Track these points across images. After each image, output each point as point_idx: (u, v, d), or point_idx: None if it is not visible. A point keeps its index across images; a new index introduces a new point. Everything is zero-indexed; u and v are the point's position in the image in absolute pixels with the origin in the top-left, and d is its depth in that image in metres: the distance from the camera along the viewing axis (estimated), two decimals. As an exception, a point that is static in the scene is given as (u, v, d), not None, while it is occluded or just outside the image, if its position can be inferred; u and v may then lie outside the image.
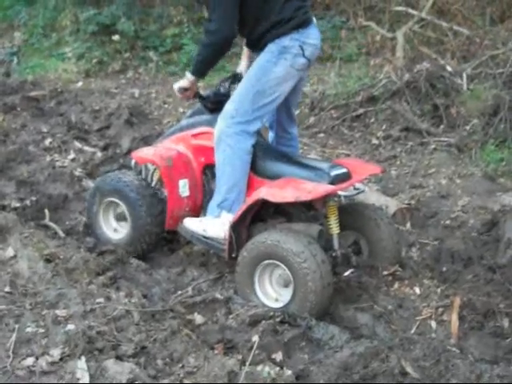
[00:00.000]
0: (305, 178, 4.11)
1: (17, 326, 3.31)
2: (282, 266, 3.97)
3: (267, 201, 4.12)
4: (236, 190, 4.37)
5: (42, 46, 10.72)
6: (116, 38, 9.85)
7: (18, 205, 5.24)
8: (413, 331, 4.01)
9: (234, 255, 4.26)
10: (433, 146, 6.42)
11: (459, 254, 4.60)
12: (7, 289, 3.70)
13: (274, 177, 4.26)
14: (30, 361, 3.05)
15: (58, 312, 3.43)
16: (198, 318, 3.88)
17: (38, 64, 10.07)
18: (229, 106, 4.37)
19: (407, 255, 4.83)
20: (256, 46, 4.45)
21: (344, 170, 4.17)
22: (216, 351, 3.53)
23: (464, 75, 7.07)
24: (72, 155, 6.53)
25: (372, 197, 5.44)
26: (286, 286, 4.03)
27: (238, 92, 4.41)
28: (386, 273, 4.45)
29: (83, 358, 3.04)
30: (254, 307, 3.87)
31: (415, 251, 4.88)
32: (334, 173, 4.10)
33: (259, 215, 4.41)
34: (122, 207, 4.78)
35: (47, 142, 6.81)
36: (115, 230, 4.93)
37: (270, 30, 4.29)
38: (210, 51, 4.35)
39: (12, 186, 5.66)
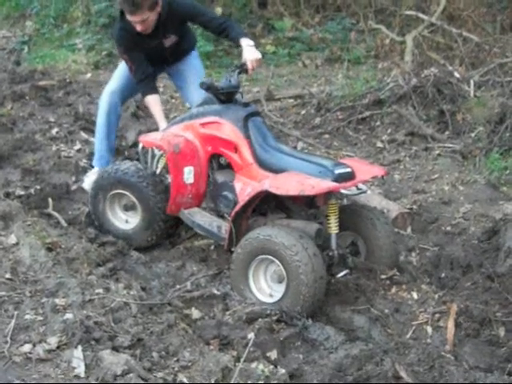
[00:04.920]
0: (309, 173, 4.14)
1: (16, 313, 3.33)
2: (275, 260, 4.01)
3: (269, 194, 4.15)
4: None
5: (53, 37, 10.76)
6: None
7: (22, 193, 5.26)
8: (408, 336, 4.01)
9: (234, 247, 4.29)
10: (437, 152, 6.43)
11: (458, 260, 4.60)
12: (8, 275, 3.73)
13: (278, 171, 4.29)
14: (27, 347, 3.07)
15: (57, 301, 3.46)
16: (195, 313, 3.91)
17: (48, 54, 10.09)
18: None
19: (406, 260, 4.85)
20: None
21: (348, 170, 4.19)
22: (211, 347, 3.55)
23: (471, 82, 7.09)
24: (78, 146, 6.55)
25: (374, 200, 5.46)
26: (280, 281, 4.05)
27: None
28: (383, 276, 4.46)
29: (80, 348, 3.07)
30: (251, 304, 3.89)
31: (414, 256, 4.89)
32: (338, 171, 4.13)
33: (260, 209, 4.46)
34: (129, 197, 4.83)
35: (54, 131, 6.83)
36: (126, 221, 4.97)
37: None
38: None
39: (17, 174, 5.70)
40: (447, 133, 6.69)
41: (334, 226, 4.31)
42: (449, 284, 4.47)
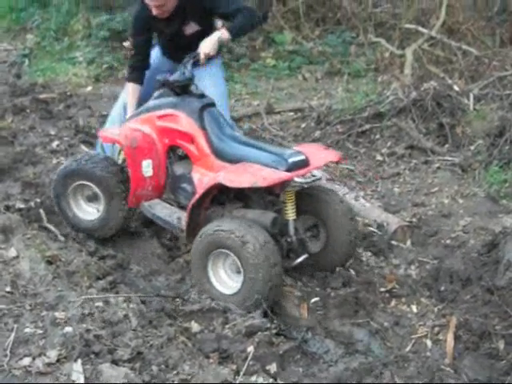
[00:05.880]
0: (264, 163, 4.19)
1: (16, 326, 3.34)
2: (228, 252, 4.08)
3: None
4: None
5: (54, 50, 10.78)
6: (127, 44, 9.89)
7: (22, 206, 5.25)
8: (408, 349, 4.01)
9: (192, 237, 4.34)
10: (437, 165, 6.43)
11: (458, 273, 4.60)
12: (8, 288, 3.74)
13: (234, 160, 4.35)
14: (26, 361, 3.08)
15: (56, 314, 3.46)
16: (195, 326, 3.91)
17: (48, 67, 10.10)
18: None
19: (406, 273, 4.85)
20: None
21: (302, 157, 4.25)
22: (211, 360, 3.56)
23: (471, 95, 7.10)
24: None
25: (373, 213, 5.48)
26: (239, 272, 4.12)
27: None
28: (383, 289, 4.47)
29: (79, 361, 3.07)
30: (251, 318, 3.89)
31: (414, 269, 4.89)
32: (292, 159, 4.19)
33: (219, 199, 4.53)
34: (91, 187, 4.87)
35: (54, 144, 6.83)
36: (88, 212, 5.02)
37: None
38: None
39: (17, 187, 5.69)
40: (447, 146, 6.69)
41: (290, 213, 4.39)
42: (448, 297, 4.47)
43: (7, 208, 5.15)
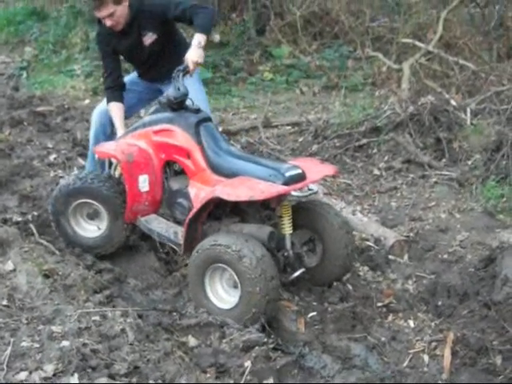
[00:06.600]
0: (260, 177, 4.21)
1: (12, 340, 3.33)
2: (225, 266, 4.09)
3: (223, 199, 4.20)
4: None
5: (52, 62, 10.82)
6: (124, 57, 9.92)
7: (19, 219, 5.25)
8: (405, 364, 4.00)
9: (190, 251, 4.34)
10: (434, 180, 6.43)
11: (455, 288, 4.60)
12: (5, 302, 3.73)
13: (230, 175, 4.36)
14: (23, 375, 3.07)
15: (53, 328, 3.46)
16: (192, 341, 3.90)
17: (46, 80, 10.14)
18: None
19: (403, 287, 4.84)
20: None
21: (299, 171, 4.27)
22: (208, 375, 3.55)
23: (468, 110, 7.11)
24: (75, 172, 6.56)
25: (370, 227, 5.48)
26: (236, 286, 4.12)
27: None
28: (380, 304, 4.47)
29: (76, 375, 3.07)
30: (248, 332, 3.88)
31: (411, 284, 4.89)
32: (288, 173, 4.21)
33: (215, 214, 4.53)
34: (93, 205, 4.88)
35: (52, 157, 6.84)
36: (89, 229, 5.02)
37: None
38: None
39: (15, 200, 5.69)
40: (444, 160, 6.70)
41: (287, 227, 4.41)
42: (445, 312, 4.46)
43: (4, 221, 5.15)
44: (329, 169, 4.71)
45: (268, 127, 8.09)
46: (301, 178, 4.25)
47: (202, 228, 4.50)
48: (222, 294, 4.24)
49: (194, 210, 4.35)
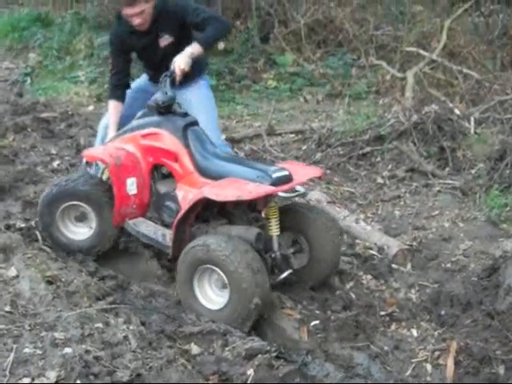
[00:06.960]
0: (248, 179, 4.24)
1: (15, 346, 3.32)
2: (215, 268, 4.10)
3: (210, 201, 4.23)
4: None
5: (56, 69, 10.83)
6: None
7: (23, 225, 5.25)
8: (408, 373, 4.00)
9: (178, 253, 4.35)
10: (437, 188, 6.43)
11: (458, 298, 4.59)
12: (7, 308, 3.72)
13: (218, 177, 4.38)
14: (26, 381, 3.06)
15: (56, 334, 3.45)
16: (195, 349, 3.89)
17: (50, 86, 10.16)
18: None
19: (406, 296, 4.84)
20: None
21: (286, 173, 4.29)
22: (210, 382, 3.54)
23: (472, 119, 7.12)
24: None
25: (374, 236, 5.48)
26: (225, 287, 4.13)
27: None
28: (383, 313, 4.46)
29: (78, 382, 3.06)
30: (251, 340, 3.87)
31: (414, 293, 4.88)
32: (275, 175, 4.23)
33: (203, 216, 4.54)
34: (79, 207, 4.90)
35: (55, 163, 6.85)
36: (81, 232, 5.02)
37: None
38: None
39: (18, 206, 5.69)
40: (447, 169, 6.70)
41: (274, 228, 4.43)
42: (449, 321, 4.46)
43: (8, 227, 5.15)
44: (315, 171, 4.82)
45: (272, 135, 8.10)
46: (288, 179, 4.28)
47: (190, 230, 4.52)
48: (211, 295, 4.25)
49: (183, 211, 4.37)
